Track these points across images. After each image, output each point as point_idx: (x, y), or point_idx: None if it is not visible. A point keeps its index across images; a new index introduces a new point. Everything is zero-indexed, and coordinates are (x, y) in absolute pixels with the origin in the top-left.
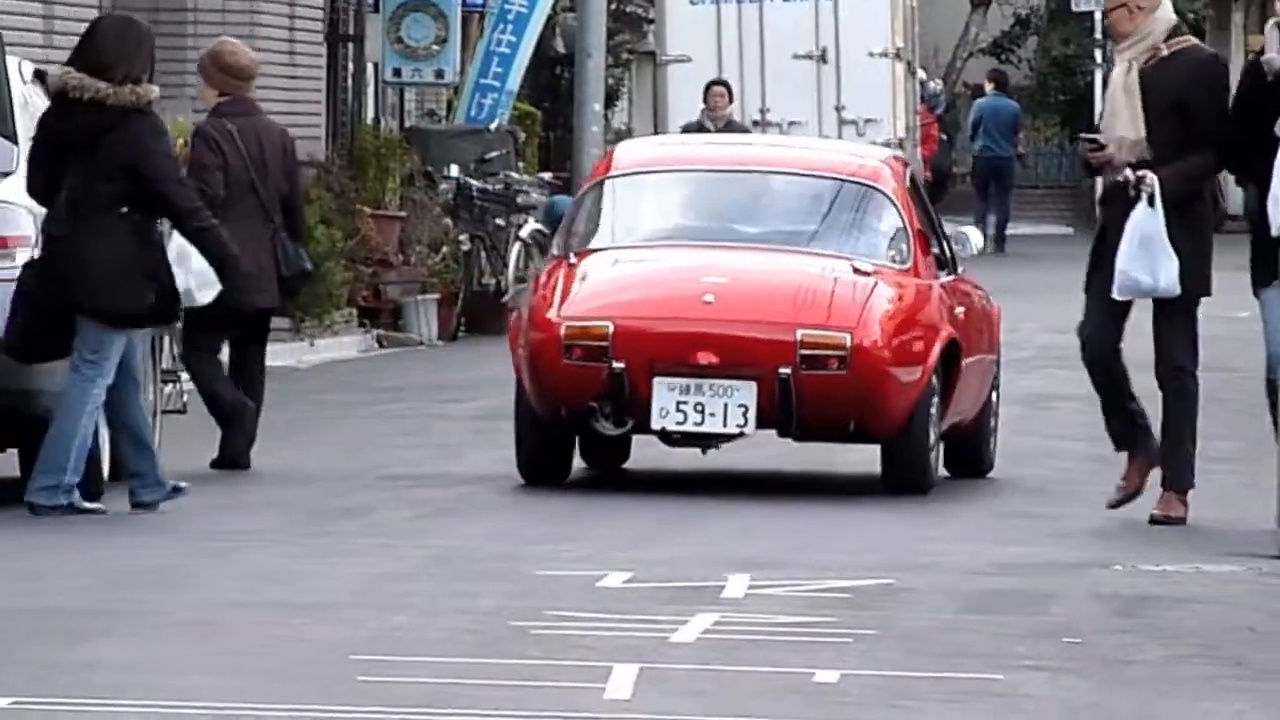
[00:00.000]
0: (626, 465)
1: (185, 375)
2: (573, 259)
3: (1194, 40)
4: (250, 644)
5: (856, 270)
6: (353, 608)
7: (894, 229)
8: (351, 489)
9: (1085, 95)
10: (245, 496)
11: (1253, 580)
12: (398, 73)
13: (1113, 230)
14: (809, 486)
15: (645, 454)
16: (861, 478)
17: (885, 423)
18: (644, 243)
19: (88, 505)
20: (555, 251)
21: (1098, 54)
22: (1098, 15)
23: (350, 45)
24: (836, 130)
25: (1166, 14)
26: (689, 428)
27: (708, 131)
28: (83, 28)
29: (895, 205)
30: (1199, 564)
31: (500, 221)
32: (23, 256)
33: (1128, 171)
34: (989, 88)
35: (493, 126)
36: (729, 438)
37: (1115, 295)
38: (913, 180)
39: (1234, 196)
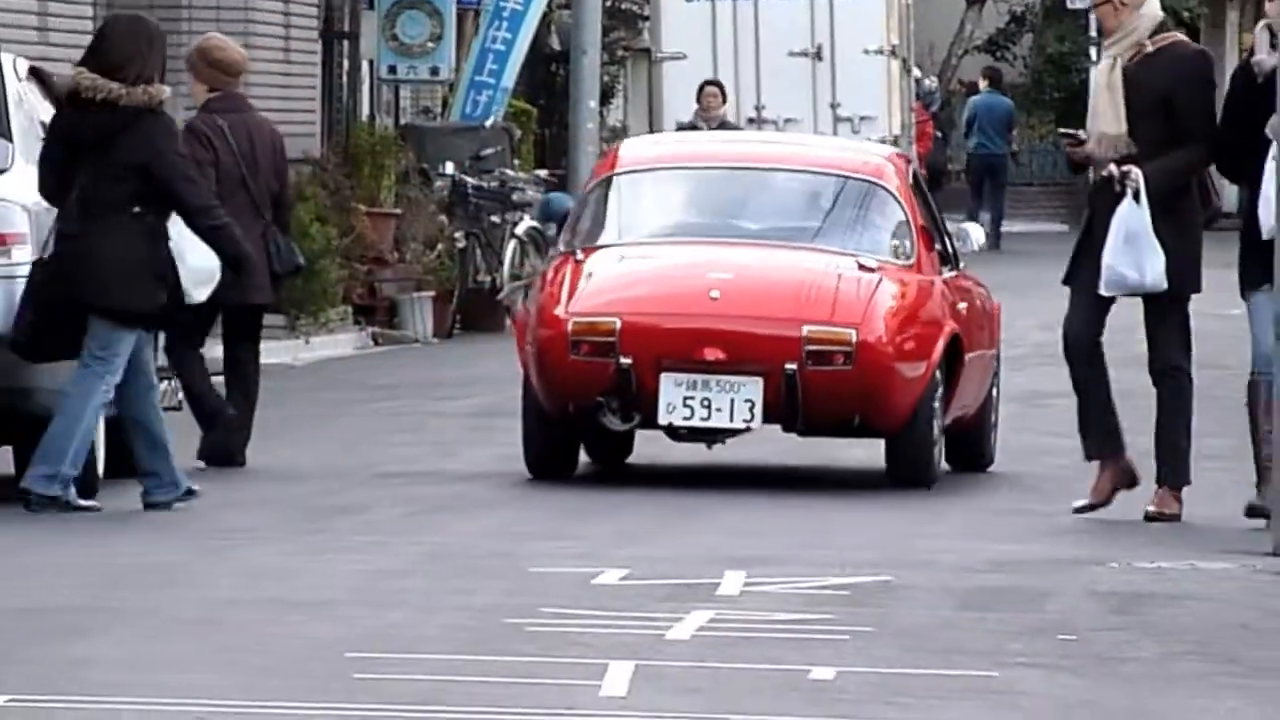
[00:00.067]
0: (628, 460)
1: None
2: (579, 255)
3: (1179, 36)
4: (247, 641)
5: (861, 266)
6: (348, 605)
7: (898, 225)
8: (347, 486)
9: (1080, 92)
10: (241, 494)
11: (1247, 577)
12: (393, 70)
13: (1099, 225)
14: (807, 483)
15: (646, 449)
16: (860, 473)
17: (890, 418)
18: (650, 239)
19: (82, 502)
20: (561, 248)
21: (1093, 51)
22: (1093, 13)
23: (345, 42)
24: (832, 127)
25: (1153, 10)
26: (696, 423)
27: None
28: (77, 24)
29: (899, 201)
30: (1193, 561)
31: (496, 219)
32: (19, 254)
33: (1112, 167)
34: (983, 85)
35: (488, 124)
36: (735, 433)
37: (1102, 291)
38: (915, 176)
39: (1230, 193)
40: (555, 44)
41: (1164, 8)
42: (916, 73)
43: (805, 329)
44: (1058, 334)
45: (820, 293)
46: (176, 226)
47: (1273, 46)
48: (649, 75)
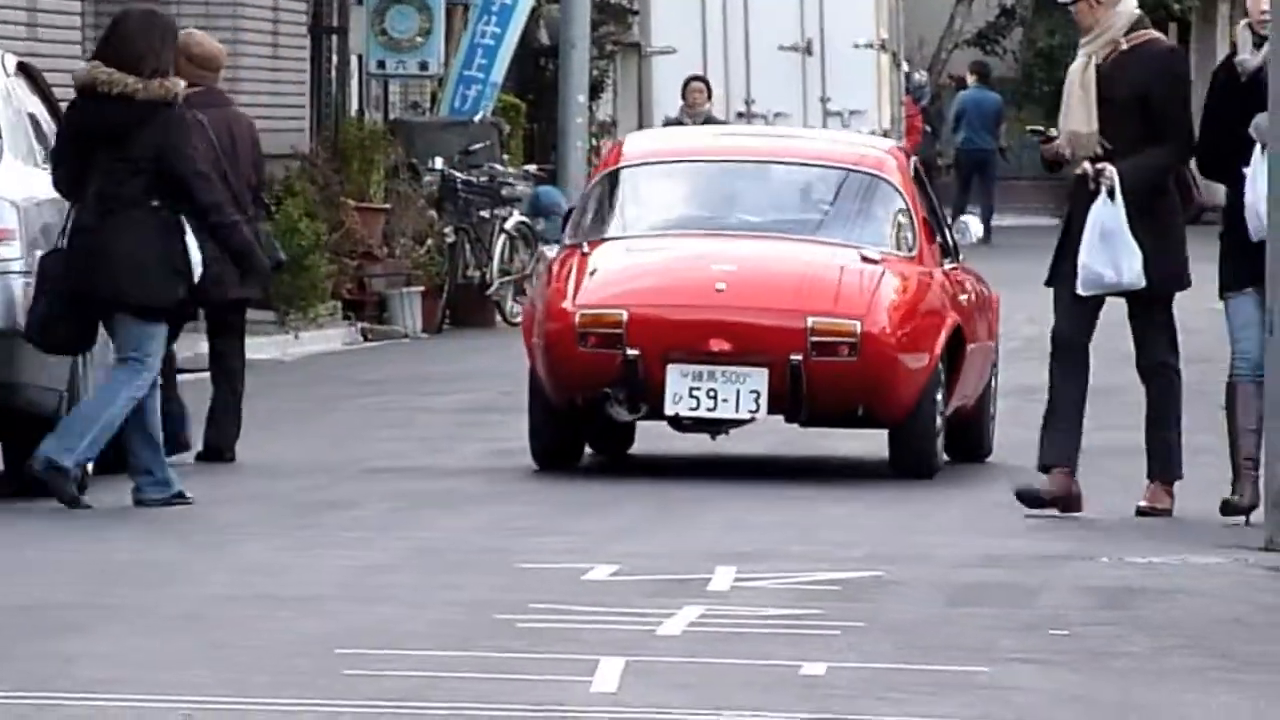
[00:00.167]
0: (618, 454)
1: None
2: (585, 248)
3: (1154, 34)
4: (236, 637)
5: (864, 258)
6: (338, 600)
7: (899, 217)
8: (336, 482)
9: None
10: (230, 489)
11: (1239, 572)
12: (382, 65)
13: (1077, 224)
14: (801, 476)
15: (646, 443)
16: (856, 466)
17: (893, 408)
18: (655, 232)
19: (82, 498)
20: (567, 241)
21: None
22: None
23: (334, 37)
24: (822, 122)
25: (1128, 8)
26: (702, 413)
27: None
28: (65, 20)
29: (901, 194)
30: (1185, 556)
31: (485, 214)
32: (7, 250)
33: (1086, 165)
34: (971, 80)
35: (477, 118)
36: (739, 423)
37: (1079, 290)
38: (916, 169)
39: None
40: (544, 38)
41: (1157, 2)
42: (905, 67)
43: (810, 320)
44: (1049, 329)
45: (824, 284)
46: None
47: (1256, 45)
48: (638, 70)
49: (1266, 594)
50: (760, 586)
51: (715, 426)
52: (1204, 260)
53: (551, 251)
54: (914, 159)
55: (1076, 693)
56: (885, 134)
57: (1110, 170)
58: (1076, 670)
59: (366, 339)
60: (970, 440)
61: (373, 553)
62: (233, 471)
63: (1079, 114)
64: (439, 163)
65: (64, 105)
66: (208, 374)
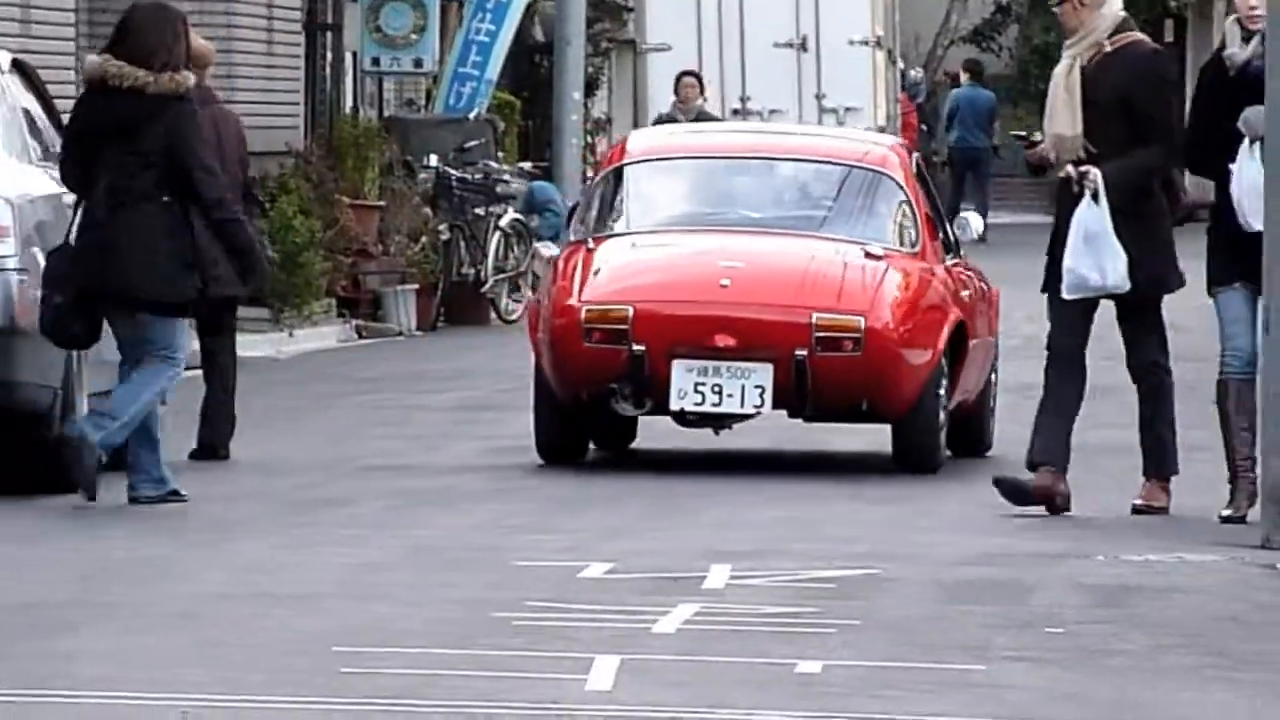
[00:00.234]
0: (613, 451)
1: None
2: (590, 244)
3: (1138, 35)
4: (232, 635)
5: (868, 254)
6: (334, 598)
7: (903, 213)
8: (331, 479)
9: None
10: (225, 487)
11: (1235, 570)
12: (376, 62)
13: (1063, 227)
14: (798, 473)
15: (646, 438)
16: (856, 461)
17: (897, 403)
18: (660, 228)
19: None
20: (573, 236)
21: None
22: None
23: (329, 34)
24: (817, 118)
25: (1113, 10)
26: (707, 408)
27: (679, 124)
28: (59, 17)
29: (904, 190)
30: (1181, 554)
31: (479, 211)
32: (2, 247)
33: (1070, 168)
34: (964, 78)
35: (472, 116)
36: (744, 418)
37: (1064, 295)
38: (918, 165)
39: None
40: (539, 35)
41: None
42: (900, 64)
43: (815, 316)
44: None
45: (829, 280)
46: None
47: (1244, 40)
48: (634, 67)
49: (1263, 592)
50: (755, 584)
51: (720, 422)
52: (1197, 258)
53: (546, 248)
54: (915, 155)
55: (1072, 691)
56: (881, 131)
57: (1094, 173)
58: (1072, 668)
59: (361, 336)
60: (971, 435)
61: (369, 550)
62: (228, 469)
63: (1064, 117)
64: (434, 160)
65: (58, 102)
66: (199, 372)
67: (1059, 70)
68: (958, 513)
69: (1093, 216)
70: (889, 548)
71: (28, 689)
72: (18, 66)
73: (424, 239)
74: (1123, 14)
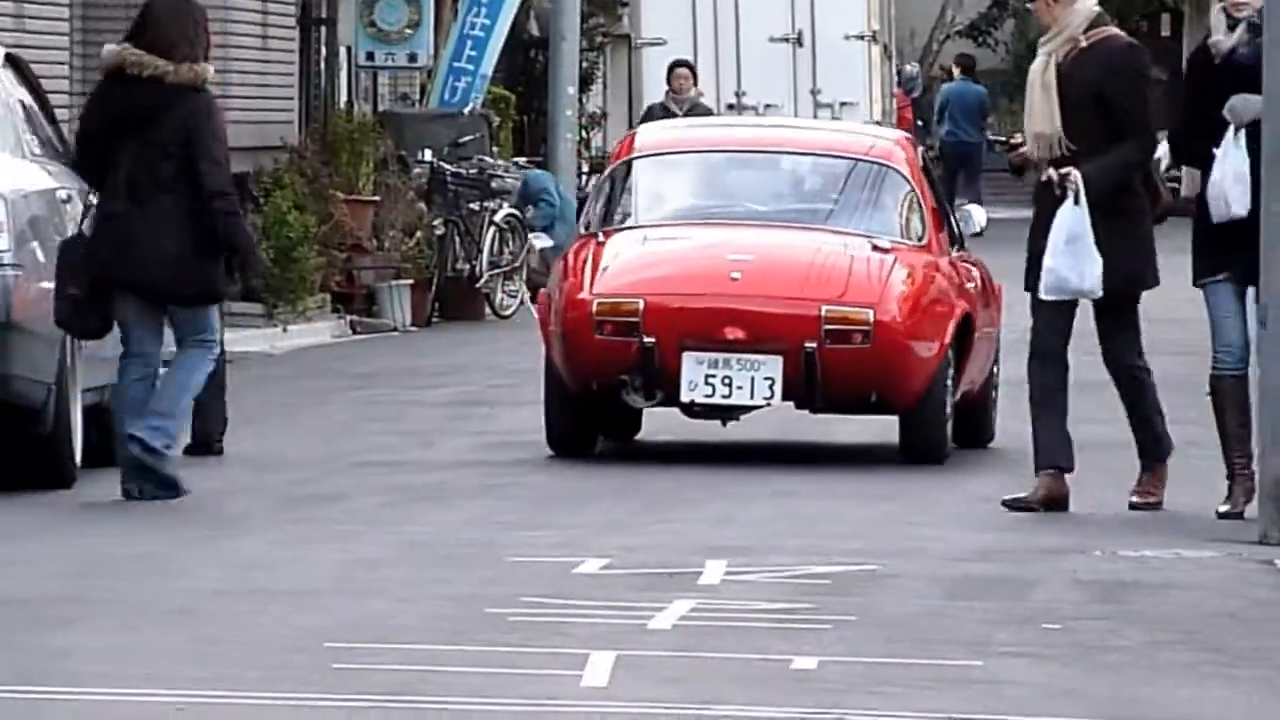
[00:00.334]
0: (609, 446)
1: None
2: (601, 237)
3: (1113, 30)
4: (226, 631)
5: (876, 247)
6: (328, 594)
7: (910, 206)
8: (326, 475)
9: None
10: (219, 483)
11: (1232, 566)
12: (371, 56)
13: (1041, 227)
14: (796, 468)
15: (648, 430)
16: (852, 457)
17: (905, 395)
18: (669, 221)
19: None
20: (582, 230)
21: None
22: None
23: (323, 28)
24: (812, 113)
25: (1086, 6)
26: (717, 400)
27: (672, 114)
28: (53, 12)
29: (910, 183)
30: (1179, 550)
31: (474, 206)
32: None
33: (1050, 171)
34: (956, 72)
35: (467, 110)
36: (752, 409)
37: (1043, 295)
38: (924, 158)
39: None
40: (534, 30)
41: None
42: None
43: (824, 309)
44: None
45: (838, 273)
46: None
47: (1230, 28)
48: (628, 61)
49: (1260, 588)
50: (752, 580)
51: (729, 413)
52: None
53: (539, 239)
54: (920, 148)
55: (1069, 687)
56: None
57: (1075, 174)
58: (1070, 664)
59: (355, 332)
60: (974, 425)
61: (363, 546)
62: (222, 465)
63: (1042, 114)
64: (428, 155)
65: (51, 97)
66: None
67: (1035, 67)
68: (955, 508)
69: (1075, 218)
70: (886, 543)
71: (24, 685)
72: (11, 61)
73: (418, 234)
74: (1097, 9)
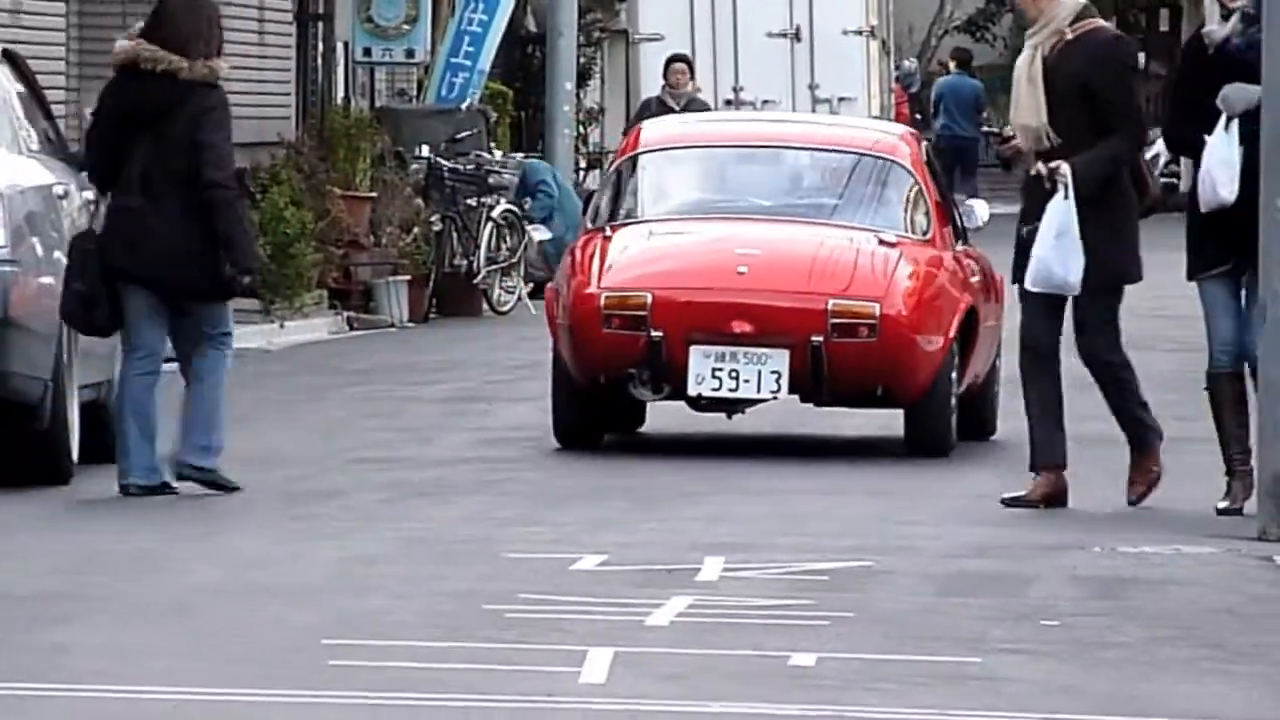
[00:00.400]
0: (606, 441)
1: None
2: (608, 231)
3: (1099, 23)
4: (223, 628)
5: (882, 242)
6: (325, 591)
7: (915, 201)
8: (323, 471)
9: None
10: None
11: (1231, 562)
12: (368, 52)
13: (1028, 221)
14: (800, 458)
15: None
16: (853, 451)
17: (911, 388)
18: (676, 215)
19: (228, 480)
20: (589, 224)
21: None
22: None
23: (320, 24)
24: (810, 108)
25: None
26: (724, 394)
27: (669, 109)
28: (49, 8)
29: (915, 178)
30: (1177, 546)
31: (472, 202)
32: None
33: (1040, 165)
34: (951, 66)
35: (464, 106)
36: (762, 402)
37: (1028, 285)
38: (928, 153)
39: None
40: (532, 26)
41: None
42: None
43: (830, 303)
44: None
45: (844, 267)
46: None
47: (1223, 17)
48: (626, 57)
49: (1259, 584)
50: (749, 577)
51: (732, 406)
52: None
53: (537, 231)
54: (925, 143)
55: (1068, 683)
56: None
57: (1064, 168)
58: (1068, 661)
59: (352, 328)
60: (976, 418)
61: (361, 543)
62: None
63: (1028, 107)
64: (425, 151)
65: (48, 93)
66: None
67: (1021, 60)
68: (952, 504)
69: (1064, 213)
70: (882, 540)
71: (21, 681)
72: (8, 56)
73: (416, 230)
74: (1082, 1)
